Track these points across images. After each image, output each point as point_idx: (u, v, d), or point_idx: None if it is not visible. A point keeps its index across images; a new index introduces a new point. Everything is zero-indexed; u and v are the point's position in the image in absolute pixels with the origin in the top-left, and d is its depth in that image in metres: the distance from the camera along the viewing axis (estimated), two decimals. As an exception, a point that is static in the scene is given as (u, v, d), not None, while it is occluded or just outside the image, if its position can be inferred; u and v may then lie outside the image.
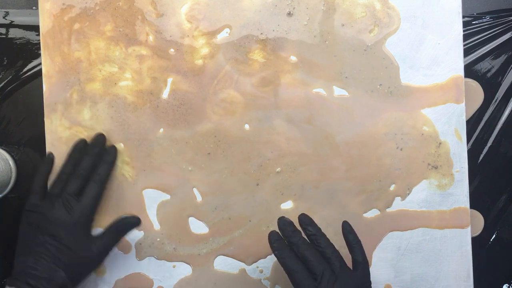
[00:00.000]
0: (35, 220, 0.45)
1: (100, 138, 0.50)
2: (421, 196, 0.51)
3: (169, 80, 0.50)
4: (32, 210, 0.45)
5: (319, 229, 0.44)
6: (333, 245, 0.43)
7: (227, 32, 0.50)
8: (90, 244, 0.46)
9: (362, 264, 0.43)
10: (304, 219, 0.45)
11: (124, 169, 0.51)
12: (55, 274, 0.43)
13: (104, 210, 0.51)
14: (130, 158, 0.51)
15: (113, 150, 0.50)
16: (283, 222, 0.44)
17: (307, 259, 0.42)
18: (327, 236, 0.44)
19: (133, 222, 0.49)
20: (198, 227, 0.51)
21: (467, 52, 0.55)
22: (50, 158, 0.49)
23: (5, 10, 0.55)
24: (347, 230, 0.45)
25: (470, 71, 0.55)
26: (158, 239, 0.51)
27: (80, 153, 0.49)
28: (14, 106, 0.55)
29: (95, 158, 0.48)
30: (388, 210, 0.51)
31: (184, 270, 0.51)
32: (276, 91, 0.50)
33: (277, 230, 0.44)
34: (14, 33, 0.55)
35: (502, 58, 0.56)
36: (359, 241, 0.44)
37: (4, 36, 0.55)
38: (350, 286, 0.42)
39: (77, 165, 0.48)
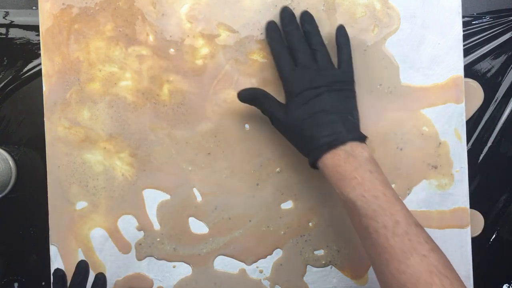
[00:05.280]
0: None
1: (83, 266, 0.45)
2: (421, 196, 0.51)
3: (169, 80, 0.50)
4: None
5: (316, 28, 0.45)
6: (325, 46, 0.45)
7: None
8: None
9: (346, 61, 0.45)
10: (305, 15, 0.46)
11: (124, 169, 0.51)
12: None
13: (104, 210, 0.51)
14: (130, 158, 0.51)
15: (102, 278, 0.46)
16: (285, 11, 0.46)
17: (294, 48, 0.44)
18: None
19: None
20: (198, 227, 0.51)
21: (467, 52, 0.55)
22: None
23: (5, 10, 0.55)
24: (341, 33, 0.46)
25: (470, 71, 0.55)
26: (158, 239, 0.51)
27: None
28: (14, 106, 0.55)
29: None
30: (388, 210, 0.51)
31: (184, 270, 0.51)
32: (276, 91, 0.50)
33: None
34: (14, 33, 0.55)
35: (502, 58, 0.56)
36: (349, 45, 0.46)
37: (4, 36, 0.55)
38: (328, 78, 0.43)
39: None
